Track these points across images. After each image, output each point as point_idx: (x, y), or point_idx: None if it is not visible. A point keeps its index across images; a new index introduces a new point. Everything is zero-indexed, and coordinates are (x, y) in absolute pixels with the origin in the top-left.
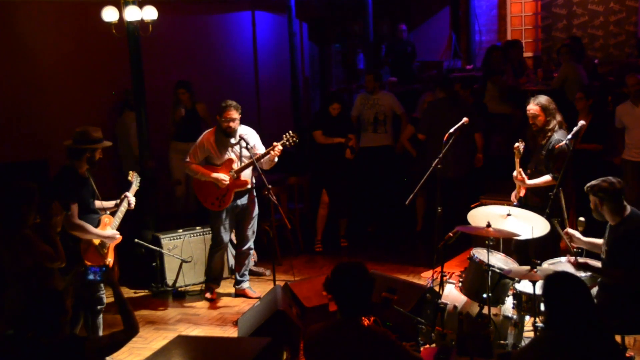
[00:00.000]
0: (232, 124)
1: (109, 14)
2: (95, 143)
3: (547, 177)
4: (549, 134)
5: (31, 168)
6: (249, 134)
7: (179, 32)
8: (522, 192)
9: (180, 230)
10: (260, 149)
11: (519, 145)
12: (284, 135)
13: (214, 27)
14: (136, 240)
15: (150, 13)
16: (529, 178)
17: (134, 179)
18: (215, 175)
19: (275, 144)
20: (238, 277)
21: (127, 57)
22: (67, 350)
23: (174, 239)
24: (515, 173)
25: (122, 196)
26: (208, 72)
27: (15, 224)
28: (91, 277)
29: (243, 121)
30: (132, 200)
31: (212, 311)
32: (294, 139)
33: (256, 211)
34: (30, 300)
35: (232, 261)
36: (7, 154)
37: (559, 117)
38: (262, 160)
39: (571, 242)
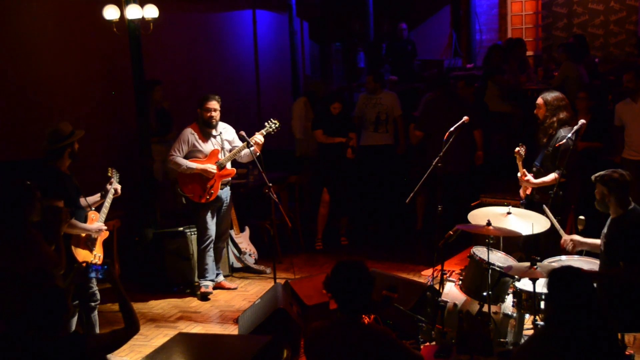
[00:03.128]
0: (213, 114)
1: (110, 13)
2: (71, 137)
3: (553, 175)
4: (550, 131)
5: (32, 167)
6: (227, 129)
7: (180, 30)
8: (529, 191)
9: (181, 228)
10: (238, 144)
11: (519, 149)
12: (266, 123)
13: (214, 26)
14: (136, 238)
15: (151, 11)
16: (534, 176)
17: (114, 174)
18: (202, 166)
19: (257, 133)
20: (216, 272)
21: (128, 55)
22: (68, 348)
23: (175, 237)
24: (519, 174)
25: (107, 186)
26: (209, 70)
27: (17, 224)
28: (93, 274)
29: (243, 120)
30: (118, 187)
31: (213, 309)
32: (276, 125)
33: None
34: (34, 299)
35: (232, 259)
36: (8, 152)
37: (562, 115)
38: (242, 153)
39: (573, 249)
